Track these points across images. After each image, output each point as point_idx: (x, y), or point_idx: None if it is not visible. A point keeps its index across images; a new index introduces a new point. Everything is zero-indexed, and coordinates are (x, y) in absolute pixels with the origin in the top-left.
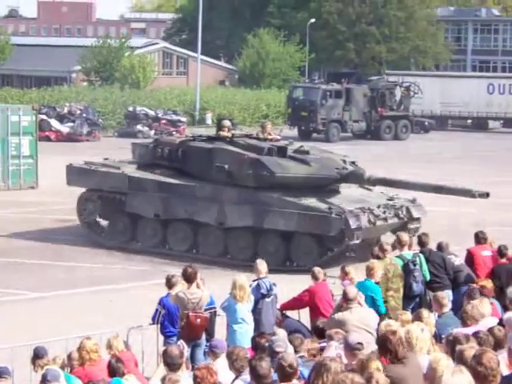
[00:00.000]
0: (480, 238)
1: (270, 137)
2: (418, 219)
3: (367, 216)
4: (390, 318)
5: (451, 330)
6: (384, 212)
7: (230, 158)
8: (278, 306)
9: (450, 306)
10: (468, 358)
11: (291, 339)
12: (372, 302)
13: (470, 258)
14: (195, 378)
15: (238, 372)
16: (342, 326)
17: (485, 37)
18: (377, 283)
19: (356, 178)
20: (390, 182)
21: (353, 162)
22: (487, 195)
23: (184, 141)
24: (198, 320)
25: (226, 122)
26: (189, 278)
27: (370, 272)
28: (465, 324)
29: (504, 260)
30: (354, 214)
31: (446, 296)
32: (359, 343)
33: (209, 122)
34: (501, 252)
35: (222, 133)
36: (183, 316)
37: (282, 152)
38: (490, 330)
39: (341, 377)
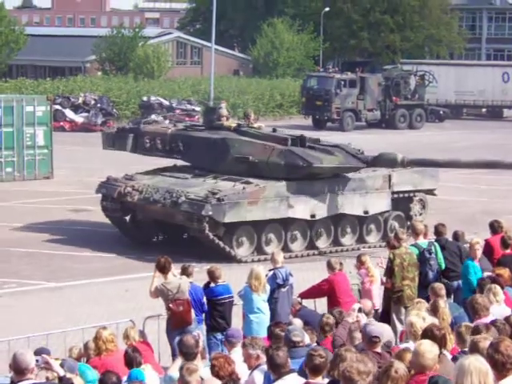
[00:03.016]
0: (496, 228)
1: (255, 125)
2: (185, 213)
3: (124, 190)
4: (406, 307)
5: (458, 315)
6: (150, 195)
7: (252, 148)
8: (296, 295)
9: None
10: (482, 348)
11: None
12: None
13: (490, 249)
14: (213, 366)
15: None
16: None
17: (499, 25)
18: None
19: (387, 161)
20: (425, 162)
21: (358, 150)
22: None
23: (179, 130)
24: (180, 307)
25: (225, 111)
26: (163, 268)
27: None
28: (477, 315)
29: (509, 250)
30: (103, 185)
31: (443, 287)
32: (376, 337)
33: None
34: (505, 242)
35: (225, 122)
36: (167, 307)
37: (302, 142)
38: (507, 319)
39: (346, 365)
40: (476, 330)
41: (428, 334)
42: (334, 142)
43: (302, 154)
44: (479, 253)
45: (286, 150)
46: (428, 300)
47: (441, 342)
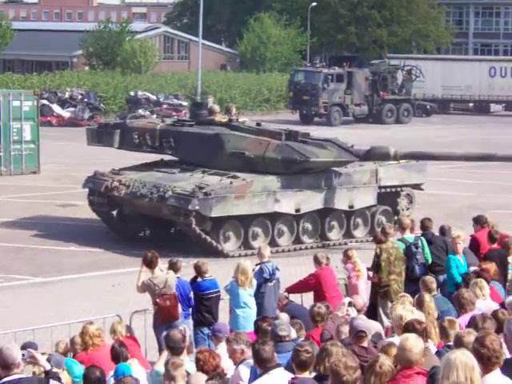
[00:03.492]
0: (482, 223)
1: (239, 120)
2: (172, 207)
3: (111, 185)
4: (391, 301)
5: (446, 309)
6: (137, 190)
7: (247, 143)
8: (283, 290)
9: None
10: (466, 342)
11: (290, 324)
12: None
13: (476, 243)
14: (197, 361)
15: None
16: None
17: (486, 20)
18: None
19: (379, 155)
20: (418, 155)
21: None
22: None
23: (169, 125)
24: (167, 302)
25: (217, 107)
26: (150, 263)
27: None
28: (463, 309)
29: (495, 245)
30: (91, 179)
31: (434, 280)
32: (362, 331)
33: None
34: (492, 237)
35: (217, 118)
36: (154, 302)
37: (294, 136)
38: (494, 314)
39: (334, 360)
40: (473, 322)
41: (409, 328)
42: (324, 137)
43: (299, 148)
44: (460, 247)
45: (282, 144)
46: (416, 294)
47: (422, 336)
